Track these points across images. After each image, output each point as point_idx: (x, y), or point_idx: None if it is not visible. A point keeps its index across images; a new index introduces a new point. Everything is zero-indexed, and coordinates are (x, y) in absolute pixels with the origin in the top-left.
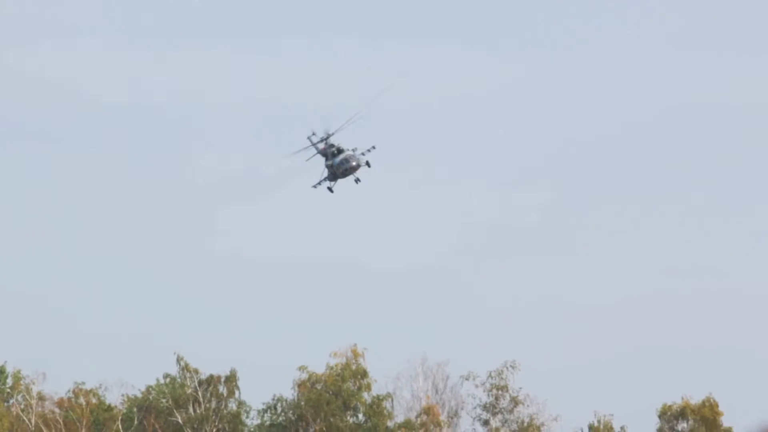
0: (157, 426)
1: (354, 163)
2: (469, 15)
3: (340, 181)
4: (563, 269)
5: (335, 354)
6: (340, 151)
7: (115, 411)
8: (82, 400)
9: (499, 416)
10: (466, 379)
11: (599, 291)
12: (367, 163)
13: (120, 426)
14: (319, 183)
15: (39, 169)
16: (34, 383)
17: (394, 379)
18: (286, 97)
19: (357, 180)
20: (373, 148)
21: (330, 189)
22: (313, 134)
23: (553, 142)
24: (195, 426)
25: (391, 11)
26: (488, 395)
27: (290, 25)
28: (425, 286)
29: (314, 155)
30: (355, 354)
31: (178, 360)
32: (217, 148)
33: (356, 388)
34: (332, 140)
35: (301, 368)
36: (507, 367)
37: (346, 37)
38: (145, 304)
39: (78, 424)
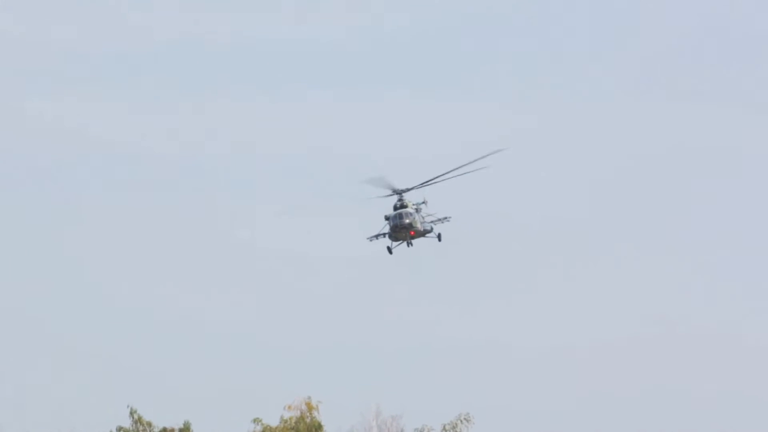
0: None
1: (407, 221)
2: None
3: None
4: (524, 315)
5: (289, 407)
6: (403, 206)
7: None
8: None
9: None
10: None
11: (559, 336)
12: (438, 237)
13: None
14: (376, 237)
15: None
16: None
17: None
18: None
19: (409, 243)
20: (446, 218)
21: (389, 249)
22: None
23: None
24: None
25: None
26: None
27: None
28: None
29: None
30: (309, 407)
31: (131, 413)
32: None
33: None
34: (409, 196)
35: (256, 420)
36: (461, 420)
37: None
38: (98, 355)
39: None
